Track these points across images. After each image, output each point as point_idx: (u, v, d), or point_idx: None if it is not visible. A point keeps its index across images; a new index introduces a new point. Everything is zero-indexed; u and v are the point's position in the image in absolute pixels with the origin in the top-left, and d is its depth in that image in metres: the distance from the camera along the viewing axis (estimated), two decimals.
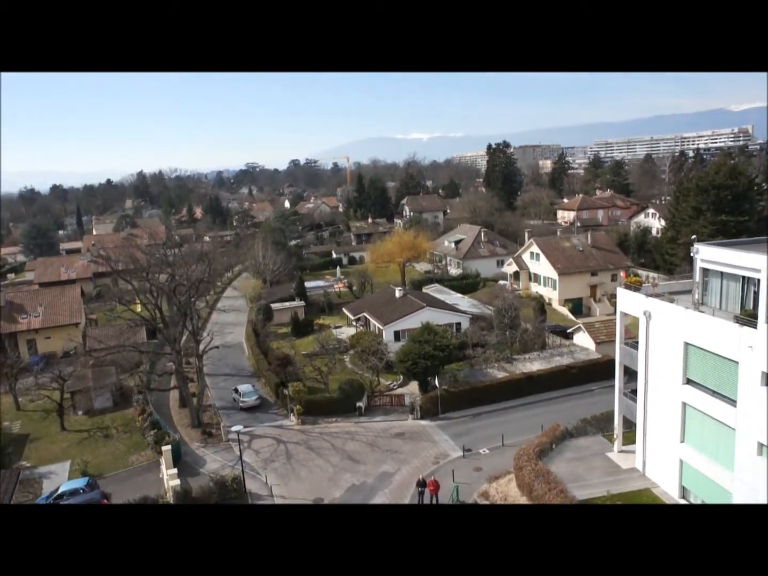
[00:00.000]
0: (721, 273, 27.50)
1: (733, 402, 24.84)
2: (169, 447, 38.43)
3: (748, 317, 24.06)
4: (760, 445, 23.47)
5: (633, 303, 31.10)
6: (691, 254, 29.07)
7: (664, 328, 29.02)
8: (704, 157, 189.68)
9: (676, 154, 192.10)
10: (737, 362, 24.21)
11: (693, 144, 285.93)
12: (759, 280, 24.61)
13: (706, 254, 28.08)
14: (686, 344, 27.30)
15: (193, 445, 42.90)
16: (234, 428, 35.07)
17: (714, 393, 26.10)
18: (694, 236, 30.99)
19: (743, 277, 26.26)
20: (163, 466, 37.68)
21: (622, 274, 31.59)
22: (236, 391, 49.23)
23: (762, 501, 23.89)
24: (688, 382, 27.68)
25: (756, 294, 25.38)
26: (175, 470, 36.15)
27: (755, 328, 23.29)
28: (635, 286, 31.14)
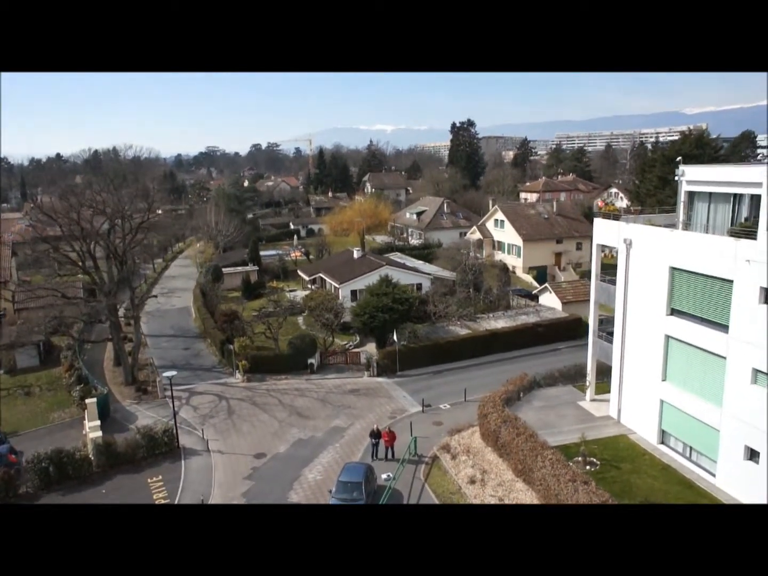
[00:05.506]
0: (710, 195, 25.00)
1: (724, 328, 22.25)
2: (94, 400, 34.25)
3: (745, 229, 21.48)
4: (755, 371, 20.92)
5: (611, 233, 28.34)
6: (675, 178, 26.49)
7: (646, 255, 26.32)
8: (664, 148, 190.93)
9: (636, 143, 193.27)
10: (731, 281, 21.60)
11: (651, 139, 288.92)
12: (753, 196, 22.23)
13: (693, 175, 25.52)
14: (672, 270, 24.63)
15: (125, 402, 38.71)
16: (166, 374, 31.12)
17: (702, 321, 23.50)
18: (679, 158, 28.30)
19: (734, 197, 23.79)
20: (86, 421, 33.48)
21: (599, 202, 28.74)
22: None
23: (751, 436, 21.41)
24: (673, 312, 25.06)
25: (749, 216, 23.05)
26: (98, 422, 32.06)
27: (755, 239, 20.70)
28: (614, 214, 28.37)
